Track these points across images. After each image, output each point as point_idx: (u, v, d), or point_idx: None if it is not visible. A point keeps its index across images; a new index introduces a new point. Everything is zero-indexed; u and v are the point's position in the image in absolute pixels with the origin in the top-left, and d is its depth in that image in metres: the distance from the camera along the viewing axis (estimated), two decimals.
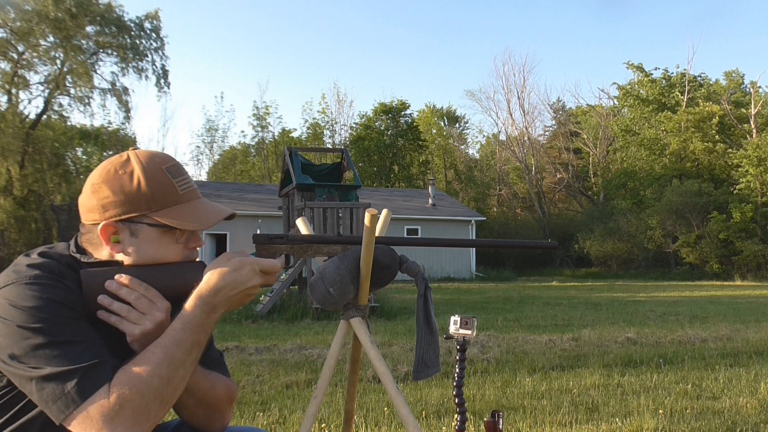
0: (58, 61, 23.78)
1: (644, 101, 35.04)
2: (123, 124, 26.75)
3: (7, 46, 22.36)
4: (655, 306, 11.45)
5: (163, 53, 26.27)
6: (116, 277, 1.07)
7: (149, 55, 25.80)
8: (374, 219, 1.35)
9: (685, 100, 33.13)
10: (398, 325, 8.37)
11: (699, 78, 35.01)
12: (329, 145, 38.65)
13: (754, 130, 29.96)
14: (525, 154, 40.78)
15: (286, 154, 11.56)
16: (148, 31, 25.58)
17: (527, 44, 68.65)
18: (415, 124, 39.70)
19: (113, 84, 25.36)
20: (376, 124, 38.73)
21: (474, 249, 24.40)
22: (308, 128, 40.56)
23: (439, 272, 24.15)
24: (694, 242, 27.42)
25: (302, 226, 1.67)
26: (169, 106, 69.01)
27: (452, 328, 1.48)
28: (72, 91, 24.64)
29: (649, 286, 19.94)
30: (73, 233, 1.17)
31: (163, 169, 1.13)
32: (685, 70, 34.96)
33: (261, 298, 10.22)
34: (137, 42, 25.31)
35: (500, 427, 1.50)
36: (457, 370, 1.48)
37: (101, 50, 24.87)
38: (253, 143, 41.03)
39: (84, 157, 28.75)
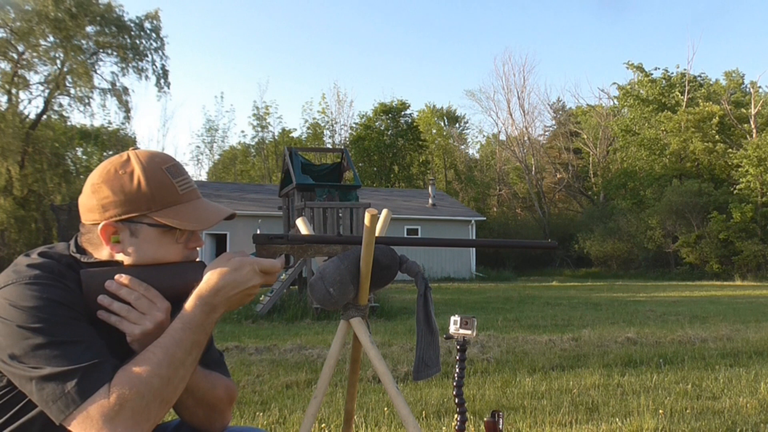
0: (58, 61, 23.81)
1: (644, 101, 35.04)
2: (123, 124, 26.82)
3: (7, 46, 22.36)
4: (655, 306, 11.45)
5: (163, 53, 26.31)
6: (116, 277, 1.07)
7: (149, 55, 25.84)
8: (374, 219, 1.35)
9: (685, 100, 33.13)
10: (398, 325, 8.37)
11: (699, 78, 35.02)
12: (329, 145, 38.66)
13: (754, 130, 29.96)
14: (525, 154, 40.78)
15: (286, 154, 11.57)
16: (148, 31, 25.59)
17: (527, 44, 68.72)
18: (415, 124, 39.70)
19: (113, 84, 25.40)
20: (376, 124, 38.74)
21: (474, 249, 24.40)
22: (308, 128, 40.60)
23: (439, 272, 24.15)
24: (694, 242, 27.43)
25: (302, 226, 1.67)
26: (169, 106, 69.09)
27: (452, 328, 1.48)
28: (72, 91, 24.68)
29: (649, 286, 19.94)
30: (73, 233, 1.17)
31: (163, 169, 1.13)
32: (685, 70, 35.01)
33: (261, 298, 10.22)
34: (137, 42, 25.33)
35: (500, 427, 1.50)
36: (457, 370, 1.48)
37: (101, 50, 24.88)
38: (253, 143, 41.07)
39: (84, 157, 28.77)
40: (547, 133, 45.82)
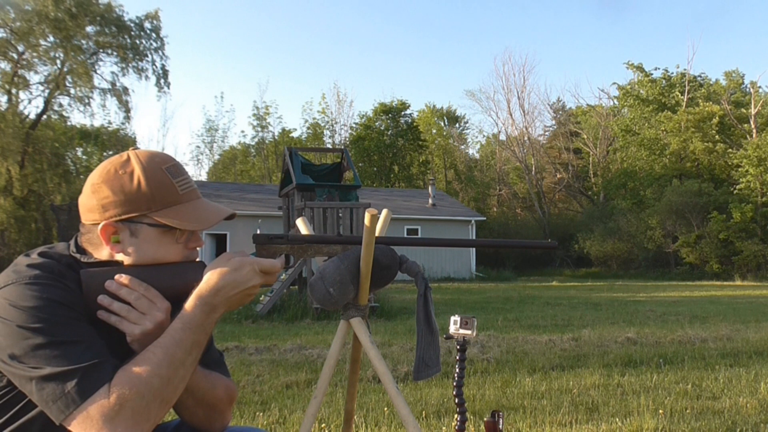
0: (58, 61, 23.81)
1: (644, 101, 35.04)
2: (123, 124, 26.82)
3: (7, 46, 22.36)
4: (655, 306, 11.45)
5: (163, 53, 26.31)
6: (116, 277, 1.07)
7: (149, 55, 25.84)
8: (374, 219, 1.35)
9: (685, 100, 33.13)
10: (398, 325, 8.37)
11: (699, 78, 35.02)
12: (329, 145, 38.66)
13: (754, 130, 29.96)
14: (525, 154, 40.78)
15: (286, 154, 11.57)
16: (148, 31, 25.59)
17: (527, 44, 68.71)
18: (415, 124, 39.70)
19: (113, 84, 25.40)
20: (376, 124, 38.74)
21: (474, 249, 24.40)
22: (308, 128, 40.60)
23: (439, 272, 24.15)
24: (694, 242, 27.43)
25: (302, 226, 1.67)
26: (169, 106, 69.05)
27: (452, 328, 1.48)
28: (72, 91, 24.68)
29: (649, 286, 19.94)
30: (73, 233, 1.17)
31: (163, 169, 1.13)
32: (685, 70, 35.02)
33: (261, 298, 10.22)
34: (137, 42, 25.32)
35: (500, 427, 1.50)
36: (457, 370, 1.48)
37: (101, 50, 24.88)
38: (253, 143, 41.07)
39: (84, 157, 28.76)
40: (547, 133, 45.88)
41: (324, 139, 40.15)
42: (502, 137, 43.93)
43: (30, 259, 1.05)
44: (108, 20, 24.08)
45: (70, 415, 0.92)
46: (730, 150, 29.54)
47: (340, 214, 9.95)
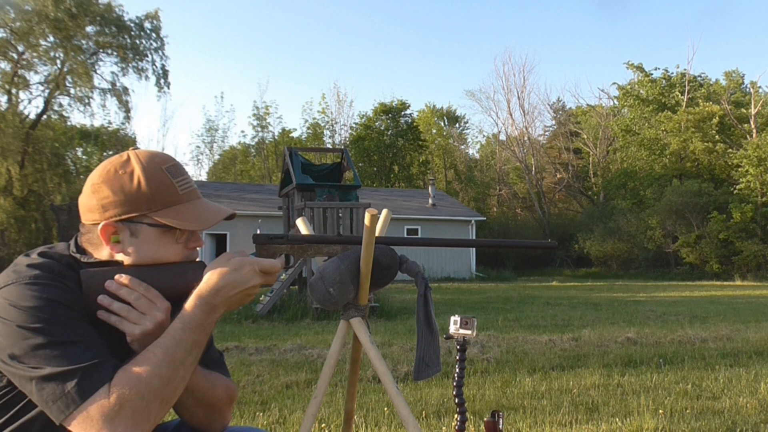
0: (58, 61, 23.81)
1: (644, 101, 35.04)
2: (123, 124, 26.83)
3: (7, 46, 22.37)
4: (655, 306, 11.45)
5: (163, 53, 26.32)
6: (116, 277, 1.07)
7: (149, 55, 25.84)
8: (374, 219, 1.35)
9: (685, 100, 33.13)
10: (398, 325, 8.37)
11: (699, 78, 35.02)
12: (329, 145, 38.66)
13: (754, 130, 29.97)
14: (525, 154, 40.78)
15: (286, 154, 11.57)
16: (148, 31, 25.59)
17: (527, 44, 68.67)
18: (415, 124, 39.70)
19: (113, 84, 25.41)
20: (376, 124, 38.73)
21: (474, 249, 24.40)
22: (308, 128, 40.60)
23: (439, 272, 24.15)
24: (694, 242, 27.43)
25: (302, 226, 1.67)
26: (169, 106, 69.04)
27: (452, 328, 1.48)
28: (72, 91, 24.69)
29: (649, 286, 19.94)
30: (73, 233, 1.17)
31: (163, 169, 1.13)
32: (685, 70, 35.01)
33: (261, 298, 10.22)
34: (137, 42, 25.33)
35: (500, 427, 1.50)
36: (457, 370, 1.48)
37: (101, 50, 24.88)
38: (253, 143, 41.07)
39: (84, 157, 28.77)
40: (547, 133, 45.88)
41: (324, 139, 40.16)
42: (502, 137, 43.99)
43: (30, 259, 1.05)
44: (108, 20, 24.08)
45: (70, 415, 0.92)
46: (730, 150, 29.54)
47: (340, 214, 9.96)
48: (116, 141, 26.06)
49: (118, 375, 0.96)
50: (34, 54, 23.10)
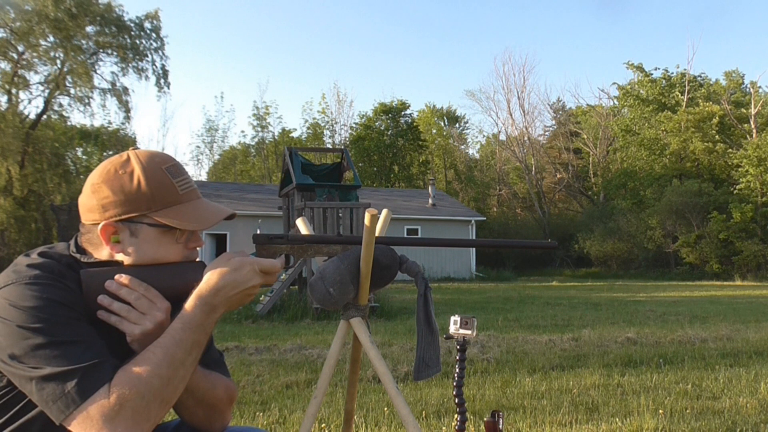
0: (58, 61, 23.81)
1: (644, 101, 35.04)
2: (123, 124, 26.83)
3: (7, 46, 22.37)
4: (655, 306, 11.45)
5: (163, 53, 26.32)
6: (116, 277, 1.07)
7: (149, 55, 25.84)
8: (374, 219, 1.35)
9: (685, 100, 33.13)
10: (398, 325, 8.37)
11: (699, 78, 35.02)
12: (329, 145, 38.66)
13: (754, 130, 29.97)
14: (525, 154, 40.78)
15: (286, 154, 11.57)
16: (148, 31, 25.59)
17: (527, 44, 68.65)
18: (415, 124, 39.70)
19: (113, 84, 25.41)
20: (376, 124, 38.74)
21: (474, 249, 24.40)
22: (308, 128, 40.60)
23: (439, 272, 24.15)
24: (694, 242, 27.43)
25: (302, 226, 1.67)
26: (169, 106, 69.06)
27: (452, 328, 1.48)
28: (72, 91, 24.69)
29: (649, 286, 19.94)
30: (73, 233, 1.17)
31: (163, 169, 1.13)
32: (685, 70, 35.02)
33: (261, 298, 10.22)
34: (137, 42, 25.33)
35: (500, 427, 1.50)
36: (457, 370, 1.48)
37: (101, 50, 24.89)
38: (253, 143, 41.07)
39: (84, 157, 28.78)
40: (547, 133, 45.88)
41: (324, 139, 40.16)
42: (502, 137, 44.00)
43: (30, 259, 1.05)
44: (108, 20, 24.08)
45: (70, 415, 0.92)
46: (730, 150, 29.54)
47: (340, 214, 9.95)
48: (116, 141, 26.07)
49: (118, 375, 0.96)
50: (34, 54, 23.11)
